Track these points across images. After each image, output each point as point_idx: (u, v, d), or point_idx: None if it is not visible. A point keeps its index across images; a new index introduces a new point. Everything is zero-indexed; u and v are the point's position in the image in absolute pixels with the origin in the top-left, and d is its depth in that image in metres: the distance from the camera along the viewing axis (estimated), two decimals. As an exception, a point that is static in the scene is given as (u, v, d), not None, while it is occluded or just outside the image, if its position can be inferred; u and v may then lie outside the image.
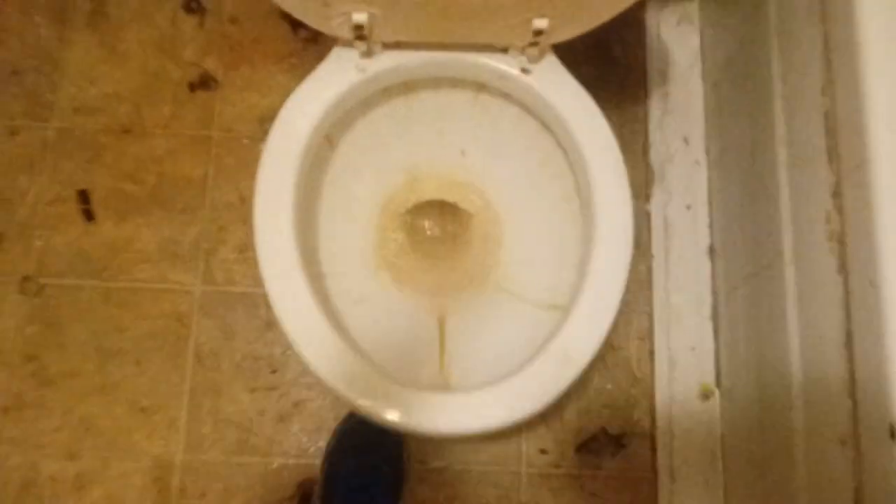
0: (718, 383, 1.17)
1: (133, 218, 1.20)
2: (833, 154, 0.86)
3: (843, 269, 0.84)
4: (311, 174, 0.93)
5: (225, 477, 1.12)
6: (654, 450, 1.15)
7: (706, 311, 1.20)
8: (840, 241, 0.85)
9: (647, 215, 1.24)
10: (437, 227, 1.04)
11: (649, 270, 1.21)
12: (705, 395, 1.17)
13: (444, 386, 0.93)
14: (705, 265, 1.21)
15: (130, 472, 1.11)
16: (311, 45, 1.27)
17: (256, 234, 0.85)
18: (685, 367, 1.18)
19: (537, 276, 0.99)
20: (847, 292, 0.83)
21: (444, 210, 1.03)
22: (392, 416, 0.80)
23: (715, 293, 1.20)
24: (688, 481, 1.14)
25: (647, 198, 1.25)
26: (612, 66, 1.30)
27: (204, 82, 1.25)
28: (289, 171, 0.86)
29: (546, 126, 0.95)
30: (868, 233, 0.78)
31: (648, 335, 1.19)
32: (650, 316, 1.20)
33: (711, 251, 1.22)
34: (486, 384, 0.81)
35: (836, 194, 0.86)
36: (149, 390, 1.14)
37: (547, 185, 1.00)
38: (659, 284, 1.21)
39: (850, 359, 0.82)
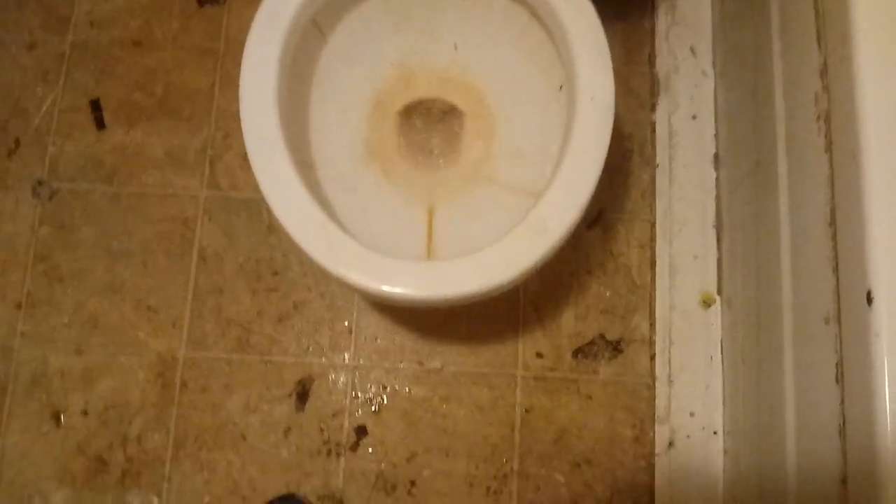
0: (720, 291, 1.16)
1: (142, 126, 1.23)
2: (821, 35, 0.86)
3: (829, 147, 0.84)
4: (301, 60, 0.94)
5: (226, 373, 1.14)
6: (652, 356, 1.14)
7: (710, 219, 1.18)
8: (826, 119, 0.85)
9: (652, 125, 1.23)
10: (429, 123, 1.04)
11: (653, 180, 1.20)
12: (706, 304, 1.15)
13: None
14: (710, 174, 1.20)
15: (135, 367, 1.15)
16: (317, -40, 1.28)
17: (242, 106, 0.87)
18: (686, 275, 1.17)
19: (526, 167, 0.98)
20: (832, 169, 0.83)
21: (436, 107, 1.04)
22: (370, 283, 0.81)
23: (718, 200, 1.18)
24: (686, 386, 1.13)
25: (653, 108, 1.23)
26: (619, -22, 1.28)
27: (212, -4, 1.28)
28: (273, 46, 0.87)
29: (533, 12, 0.94)
30: (850, 105, 0.78)
31: (650, 243, 1.18)
32: (652, 225, 1.19)
33: (716, 160, 1.20)
34: (464, 255, 0.82)
35: (824, 73, 0.85)
36: (154, 290, 1.17)
37: (537, 76, 1.00)
38: (663, 193, 1.20)
39: (834, 235, 0.81)
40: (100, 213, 1.20)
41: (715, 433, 1.11)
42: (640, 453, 1.12)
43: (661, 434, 1.12)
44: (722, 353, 1.14)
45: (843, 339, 0.78)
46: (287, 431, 1.12)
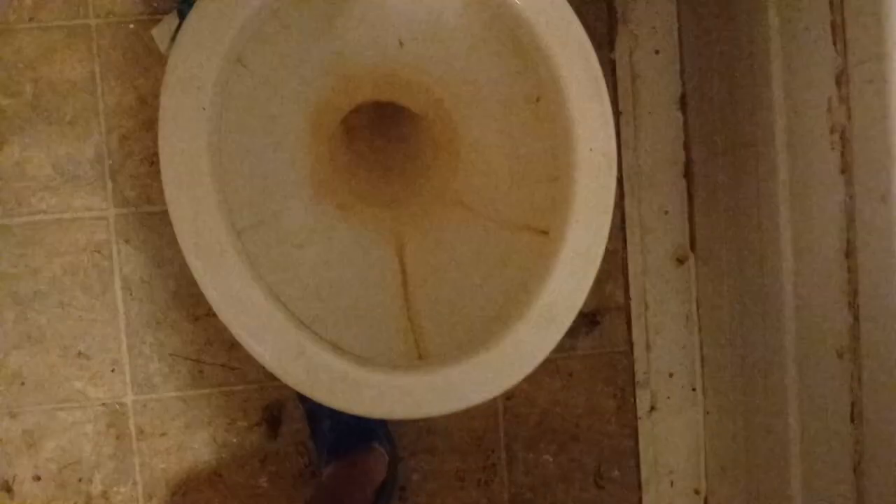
0: (693, 246, 1.11)
1: (17, 139, 1.01)
2: (838, 35, 0.74)
3: (847, 170, 0.75)
4: (224, 106, 0.76)
5: (183, 412, 1.05)
6: (628, 323, 1.11)
7: (679, 168, 1.10)
8: (843, 136, 0.75)
9: (612, 64, 1.09)
10: (380, 134, 0.89)
11: (617, 131, 1.09)
12: (679, 261, 1.10)
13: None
14: (677, 118, 1.09)
15: (81, 421, 1.04)
16: None
17: (170, 206, 0.72)
18: (658, 232, 1.10)
19: (500, 190, 0.86)
20: (850, 197, 0.75)
21: (385, 114, 0.88)
22: (358, 408, 0.72)
23: (688, 149, 1.09)
24: (664, 348, 1.11)
25: (611, 45, 1.09)
26: None
27: (63, -46, 1.00)
28: (198, 122, 0.70)
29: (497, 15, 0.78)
30: (880, 137, 0.68)
31: (618, 203, 1.10)
32: (619, 182, 1.10)
33: (683, 102, 1.09)
34: (462, 355, 0.72)
35: (842, 81, 0.74)
36: (81, 333, 1.03)
37: (504, 81, 0.84)
38: (628, 145, 1.10)
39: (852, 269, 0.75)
40: (-8, 253, 1.01)
41: (693, 390, 1.12)
42: (623, 420, 1.12)
43: (642, 399, 1.12)
44: (698, 309, 1.11)
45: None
46: (263, 460, 1.06)
